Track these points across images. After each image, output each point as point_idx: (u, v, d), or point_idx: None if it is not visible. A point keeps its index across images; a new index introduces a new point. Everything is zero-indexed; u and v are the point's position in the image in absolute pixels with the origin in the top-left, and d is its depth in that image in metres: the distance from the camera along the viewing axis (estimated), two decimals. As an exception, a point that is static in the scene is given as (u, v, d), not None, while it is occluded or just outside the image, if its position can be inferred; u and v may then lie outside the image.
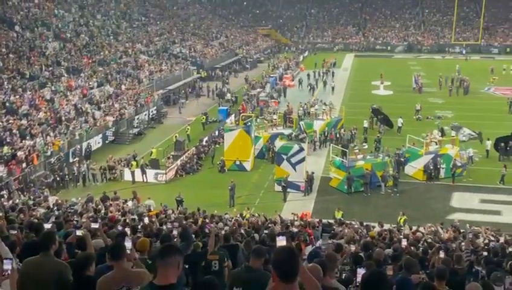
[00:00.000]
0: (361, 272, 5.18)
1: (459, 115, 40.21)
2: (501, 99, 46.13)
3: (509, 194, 25.68)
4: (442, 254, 9.10)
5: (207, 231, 12.30)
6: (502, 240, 15.07)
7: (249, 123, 31.00)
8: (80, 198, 21.98)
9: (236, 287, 5.40)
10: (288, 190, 26.35)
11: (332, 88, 51.40)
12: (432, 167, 27.70)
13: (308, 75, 56.55)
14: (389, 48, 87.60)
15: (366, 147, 30.24)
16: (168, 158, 30.28)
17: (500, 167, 27.58)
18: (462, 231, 18.87)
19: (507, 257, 11.04)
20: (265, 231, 14.13)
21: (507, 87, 52.20)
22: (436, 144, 29.27)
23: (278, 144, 28.81)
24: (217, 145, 33.59)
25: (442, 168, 27.89)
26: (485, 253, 11.46)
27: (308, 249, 10.84)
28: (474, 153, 30.25)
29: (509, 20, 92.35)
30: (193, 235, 11.02)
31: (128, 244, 5.99)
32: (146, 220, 14.13)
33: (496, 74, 57.92)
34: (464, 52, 79.81)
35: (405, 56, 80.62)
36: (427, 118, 39.77)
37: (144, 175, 28.31)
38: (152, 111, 40.85)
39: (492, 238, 16.23)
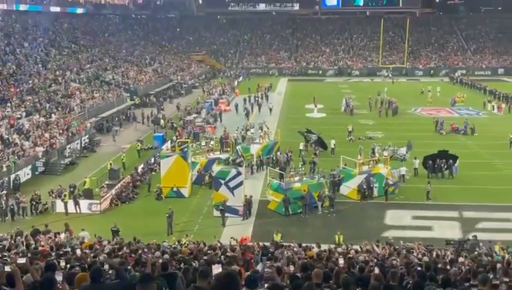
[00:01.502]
0: None
1: (388, 135, 41.73)
2: (427, 120, 48.37)
3: (439, 209, 26.79)
4: (376, 271, 9.32)
5: (144, 260, 12.00)
6: (434, 254, 15.67)
7: (185, 149, 30.78)
8: (7, 233, 20.89)
9: None
10: (227, 214, 26.25)
11: (270, 109, 53.03)
12: (365, 187, 28.48)
13: (244, 99, 57.08)
14: (320, 72, 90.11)
15: (302, 168, 30.72)
16: (102, 187, 29.46)
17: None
18: (396, 247, 19.44)
19: (439, 271, 11.45)
20: (205, 258, 13.97)
21: (433, 108, 54.91)
22: (377, 163, 30.23)
23: (216, 169, 28.77)
24: (154, 173, 33.06)
25: (375, 187, 28.74)
26: (418, 268, 11.82)
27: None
28: (406, 172, 31.42)
29: (431, 44, 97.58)
30: (130, 266, 10.71)
31: (59, 277, 5.75)
32: (78, 252, 13.62)
33: (427, 95, 60.83)
34: (390, 75, 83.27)
35: (336, 80, 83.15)
36: (359, 138, 41.00)
37: (77, 206, 27.34)
38: (84, 140, 39.76)
39: (424, 253, 16.79)
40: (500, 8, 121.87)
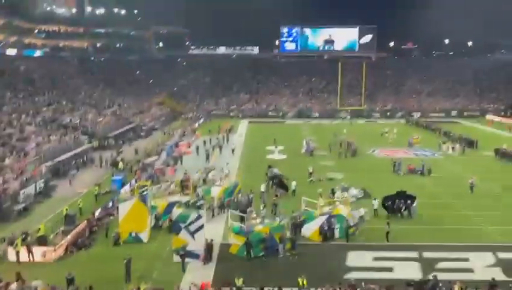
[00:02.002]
0: None
1: (348, 176, 42.22)
2: (385, 160, 49.28)
3: (399, 250, 26.91)
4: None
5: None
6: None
7: (145, 192, 30.21)
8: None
9: None
10: (187, 259, 25.65)
11: (232, 150, 53.86)
12: (326, 228, 28.47)
13: (205, 141, 56.98)
14: (280, 113, 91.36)
15: (264, 211, 30.55)
16: (57, 234, 28.43)
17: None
18: (358, 289, 19.36)
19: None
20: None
21: (390, 149, 56.10)
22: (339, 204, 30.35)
23: (176, 212, 28.24)
24: (111, 217, 32.20)
25: (336, 228, 28.77)
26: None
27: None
28: (365, 213, 31.64)
29: (387, 87, 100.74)
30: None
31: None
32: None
33: (387, 136, 62.38)
34: (348, 117, 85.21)
35: (296, 122, 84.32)
36: (319, 180, 41.28)
37: (30, 254, 26.21)
38: (39, 184, 38.56)
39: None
40: (451, 53, 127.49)
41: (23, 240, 26.75)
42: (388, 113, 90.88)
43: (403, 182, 40.06)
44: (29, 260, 25.99)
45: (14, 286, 20.04)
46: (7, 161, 38.55)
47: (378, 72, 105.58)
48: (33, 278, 21.46)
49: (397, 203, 32.35)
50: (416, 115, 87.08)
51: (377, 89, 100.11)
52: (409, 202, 32.44)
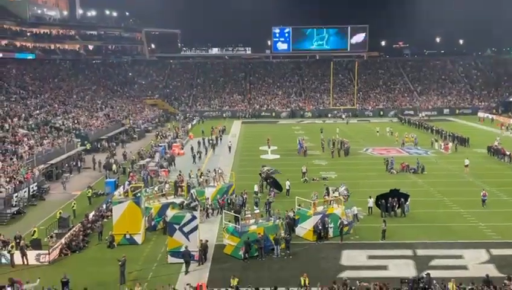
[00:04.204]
0: None
1: (342, 176, 42.36)
2: (378, 159, 49.47)
3: (393, 248, 27.04)
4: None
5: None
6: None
7: (139, 194, 30.17)
8: None
9: None
10: (182, 260, 25.65)
11: (229, 147, 55.62)
12: (320, 227, 28.54)
13: (198, 142, 56.96)
14: (273, 114, 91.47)
15: (258, 211, 30.58)
16: (51, 237, 28.32)
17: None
18: (352, 288, 19.44)
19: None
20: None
21: (383, 148, 56.34)
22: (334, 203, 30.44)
23: (170, 213, 28.23)
24: (105, 220, 32.14)
25: (331, 227, 28.83)
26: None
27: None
28: (359, 211, 31.77)
29: (379, 86, 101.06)
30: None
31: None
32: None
33: (384, 134, 62.69)
34: (344, 115, 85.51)
35: (289, 121, 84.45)
36: (313, 179, 41.38)
37: (24, 257, 26.11)
38: (33, 187, 38.41)
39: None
40: (442, 51, 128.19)
41: (17, 243, 26.66)
42: (381, 112, 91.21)
43: (396, 180, 40.27)
44: (24, 263, 25.90)
45: None
46: (0, 165, 38.36)
47: (370, 71, 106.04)
48: (26, 281, 21.38)
49: (390, 202, 32.50)
50: (421, 112, 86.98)
51: (369, 88, 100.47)
52: (402, 200, 32.60)
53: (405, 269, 24.17)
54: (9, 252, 26.10)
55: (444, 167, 46.87)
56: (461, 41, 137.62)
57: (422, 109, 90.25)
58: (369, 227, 30.21)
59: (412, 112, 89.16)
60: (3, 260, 26.05)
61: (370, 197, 33.13)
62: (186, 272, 24.73)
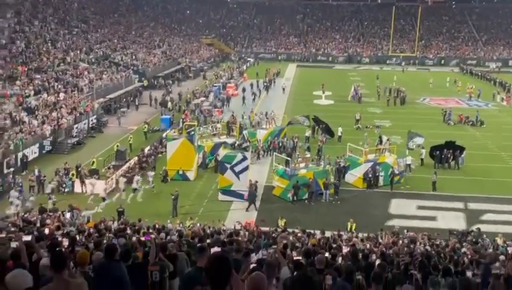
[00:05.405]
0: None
1: (396, 124, 41.59)
2: (436, 109, 48.09)
3: (443, 200, 26.73)
4: (380, 259, 9.34)
5: (147, 241, 12.08)
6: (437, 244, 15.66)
7: (192, 132, 30.80)
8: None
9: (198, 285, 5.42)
10: (232, 198, 26.36)
11: (283, 89, 56.20)
12: (371, 175, 28.43)
13: (252, 84, 56.93)
14: (330, 58, 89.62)
15: (309, 155, 30.70)
16: (109, 168, 29.59)
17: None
18: (400, 236, 19.49)
19: (442, 261, 11.48)
20: (208, 241, 14.04)
21: (442, 98, 54.57)
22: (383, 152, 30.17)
23: (222, 152, 28.82)
24: (160, 155, 33.15)
25: (381, 175, 28.68)
26: (421, 258, 11.86)
27: (253, 257, 10.86)
28: (412, 161, 31.33)
29: (442, 34, 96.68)
30: (133, 246, 10.79)
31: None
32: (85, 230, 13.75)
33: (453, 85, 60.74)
34: (403, 63, 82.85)
35: (345, 67, 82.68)
36: (366, 127, 40.85)
37: (83, 185, 27.51)
38: (92, 120, 39.86)
39: (427, 243, 16.80)
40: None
41: (78, 172, 28.03)
42: (442, 61, 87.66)
43: (453, 132, 39.18)
44: (82, 191, 27.30)
45: (68, 215, 21.15)
46: (61, 96, 39.81)
47: (433, 17, 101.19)
48: (85, 208, 22.59)
49: (445, 153, 31.83)
50: (494, 64, 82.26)
51: (432, 35, 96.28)
52: (457, 152, 31.86)
53: (454, 222, 23.95)
54: (70, 179, 27.53)
55: (504, 120, 45.09)
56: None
57: (486, 59, 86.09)
58: (420, 178, 29.84)
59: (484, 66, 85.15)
60: (65, 188, 27.48)
61: (423, 148, 32.52)
62: (247, 209, 25.43)
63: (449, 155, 31.93)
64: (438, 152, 31.92)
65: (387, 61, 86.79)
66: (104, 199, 25.75)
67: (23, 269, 5.23)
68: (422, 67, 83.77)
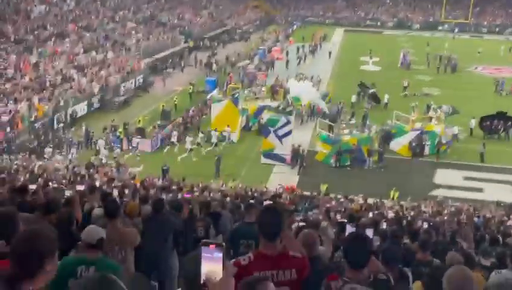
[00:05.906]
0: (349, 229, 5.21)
1: (446, 93, 40.37)
2: (488, 79, 46.35)
3: (491, 172, 26.03)
4: (425, 226, 9.22)
5: (191, 199, 12.29)
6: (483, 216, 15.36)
7: (237, 95, 30.81)
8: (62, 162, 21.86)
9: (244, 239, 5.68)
10: (274, 162, 26.44)
11: (330, 53, 55.38)
12: (416, 144, 27.87)
13: (298, 48, 56.18)
14: (378, 23, 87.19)
15: (353, 121, 30.32)
16: (154, 127, 30.09)
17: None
18: (444, 205, 19.19)
19: (489, 231, 11.24)
20: (251, 201, 14.18)
21: (495, 67, 52.44)
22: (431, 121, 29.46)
23: (265, 116, 28.79)
24: (204, 116, 33.40)
25: (427, 145, 28.07)
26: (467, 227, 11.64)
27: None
28: (459, 131, 30.52)
29: (498, 0, 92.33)
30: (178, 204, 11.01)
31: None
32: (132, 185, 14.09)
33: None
34: (456, 30, 79.82)
35: (394, 32, 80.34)
36: (414, 94, 39.82)
37: (130, 143, 28.11)
38: (139, 80, 40.39)
39: (474, 214, 16.49)
40: None
41: (125, 129, 28.63)
42: (497, 29, 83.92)
43: (505, 102, 37.72)
44: (129, 148, 27.93)
45: (114, 170, 21.76)
46: (110, 55, 40.40)
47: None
48: (131, 165, 23.15)
49: (495, 124, 30.82)
50: None
51: (487, 1, 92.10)
52: (508, 123, 30.79)
53: (502, 194, 23.27)
54: (118, 137, 28.17)
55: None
56: None
57: None
58: (468, 148, 29.05)
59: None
60: (113, 145, 28.16)
61: (473, 118, 31.54)
62: (299, 172, 25.60)
63: (499, 126, 30.90)
64: (488, 123, 30.93)
65: (439, 28, 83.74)
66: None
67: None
68: (476, 34, 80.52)
